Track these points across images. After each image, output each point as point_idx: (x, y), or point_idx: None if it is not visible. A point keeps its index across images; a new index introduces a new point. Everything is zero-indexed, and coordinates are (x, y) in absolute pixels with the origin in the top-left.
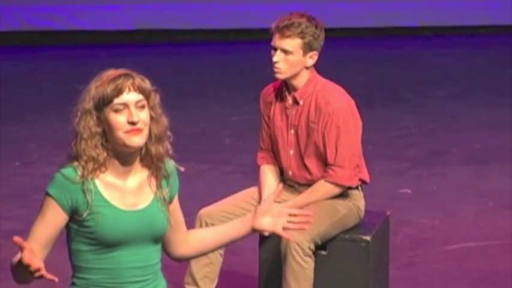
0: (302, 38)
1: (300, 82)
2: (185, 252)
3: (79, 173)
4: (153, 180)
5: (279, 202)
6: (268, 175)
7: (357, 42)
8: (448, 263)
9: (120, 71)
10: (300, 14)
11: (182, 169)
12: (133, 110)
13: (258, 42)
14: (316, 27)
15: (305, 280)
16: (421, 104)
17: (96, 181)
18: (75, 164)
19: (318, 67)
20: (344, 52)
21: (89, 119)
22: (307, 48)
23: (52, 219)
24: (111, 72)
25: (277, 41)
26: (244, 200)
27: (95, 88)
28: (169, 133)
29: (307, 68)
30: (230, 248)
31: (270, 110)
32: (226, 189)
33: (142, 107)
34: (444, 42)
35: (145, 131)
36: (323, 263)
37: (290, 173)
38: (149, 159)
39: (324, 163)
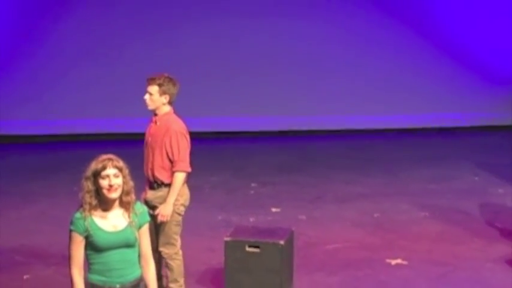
0: (159, 86)
1: (160, 112)
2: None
3: (82, 214)
4: (125, 214)
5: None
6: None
7: (271, 138)
8: (325, 256)
9: (107, 155)
10: (161, 74)
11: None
12: (112, 178)
13: (230, 139)
14: (169, 81)
15: (178, 267)
16: (307, 171)
17: (93, 216)
18: (80, 209)
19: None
20: (267, 144)
21: (89, 182)
22: (161, 92)
23: (78, 241)
24: (102, 157)
25: (147, 88)
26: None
27: (93, 165)
28: (133, 191)
29: (163, 104)
30: (208, 248)
31: (147, 129)
32: (209, 216)
33: (117, 176)
34: (322, 139)
35: (119, 190)
36: (256, 257)
37: (150, 174)
38: (122, 203)
39: (164, 169)
